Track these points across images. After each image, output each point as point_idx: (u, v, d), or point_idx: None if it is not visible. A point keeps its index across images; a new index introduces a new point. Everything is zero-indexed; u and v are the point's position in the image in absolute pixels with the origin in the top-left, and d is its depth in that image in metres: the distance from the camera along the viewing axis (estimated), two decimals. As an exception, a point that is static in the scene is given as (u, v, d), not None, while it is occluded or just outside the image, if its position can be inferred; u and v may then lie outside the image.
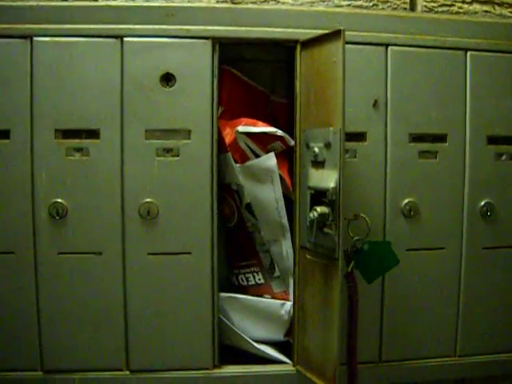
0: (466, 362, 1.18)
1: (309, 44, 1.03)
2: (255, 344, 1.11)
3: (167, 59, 1.05)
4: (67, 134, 1.05)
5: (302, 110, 1.06)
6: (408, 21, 1.12)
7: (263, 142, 1.09)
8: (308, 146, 1.03)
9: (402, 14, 1.14)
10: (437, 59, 1.11)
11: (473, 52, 1.13)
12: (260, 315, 1.12)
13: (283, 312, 1.11)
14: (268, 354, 1.12)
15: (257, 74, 1.19)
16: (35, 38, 1.02)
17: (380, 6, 1.18)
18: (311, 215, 0.98)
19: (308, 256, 1.05)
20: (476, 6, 1.20)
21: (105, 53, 1.04)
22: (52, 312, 1.06)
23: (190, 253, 1.07)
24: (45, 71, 1.03)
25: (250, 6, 1.10)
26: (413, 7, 1.20)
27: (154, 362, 1.09)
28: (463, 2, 1.20)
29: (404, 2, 1.18)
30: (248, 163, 1.09)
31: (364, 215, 1.03)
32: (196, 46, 1.05)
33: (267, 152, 1.09)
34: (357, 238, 1.03)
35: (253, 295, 1.14)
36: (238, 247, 1.16)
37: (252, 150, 1.09)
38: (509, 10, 1.21)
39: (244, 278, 1.16)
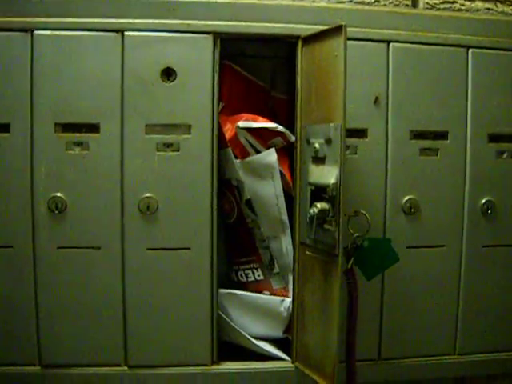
0: (465, 360, 1.17)
1: (310, 40, 1.03)
2: (254, 340, 1.10)
3: (168, 54, 1.05)
4: (67, 127, 1.04)
5: (303, 106, 1.05)
6: (410, 17, 1.11)
7: (264, 137, 1.08)
8: (309, 142, 1.02)
9: (403, 11, 1.13)
10: (438, 56, 1.11)
11: (475, 49, 1.12)
12: (259, 312, 1.11)
13: (282, 309, 1.10)
14: (267, 351, 1.11)
15: (257, 70, 1.19)
16: (36, 32, 1.02)
17: (382, 3, 1.18)
18: (311, 211, 0.97)
19: (308, 252, 1.04)
20: (478, 4, 1.20)
21: (105, 47, 1.04)
22: (50, 307, 1.06)
23: (189, 248, 1.07)
24: (45, 65, 1.03)
25: (251, 0, 1.09)
26: (415, 4, 1.19)
27: (152, 358, 1.09)
28: (465, 0, 1.19)
29: (406, -1, 1.18)
30: (248, 159, 1.08)
31: (364, 211, 1.02)
32: (197, 40, 1.05)
33: (268, 148, 1.09)
34: (357, 234, 1.03)
35: (252, 292, 1.14)
36: (237, 243, 1.16)
37: (252, 146, 1.09)
38: (511, 7, 1.20)
39: (243, 275, 1.16)
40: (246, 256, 1.14)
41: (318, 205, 0.97)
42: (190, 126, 1.05)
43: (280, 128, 1.07)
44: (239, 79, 1.14)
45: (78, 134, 1.05)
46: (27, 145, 1.04)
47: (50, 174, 1.04)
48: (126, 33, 1.04)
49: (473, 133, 1.13)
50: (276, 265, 1.12)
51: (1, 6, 1.02)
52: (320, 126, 0.99)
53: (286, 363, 1.12)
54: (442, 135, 1.12)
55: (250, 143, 1.08)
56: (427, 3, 1.18)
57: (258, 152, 1.09)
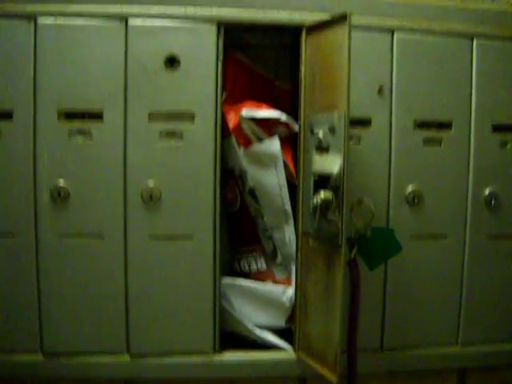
0: (468, 351, 1.17)
1: (314, 28, 1.02)
2: (256, 330, 1.10)
3: (172, 42, 1.04)
4: (70, 115, 1.04)
5: (307, 95, 1.05)
6: (414, 7, 1.11)
7: (267, 126, 1.08)
8: (312, 132, 1.02)
9: (408, 1, 1.12)
10: (443, 46, 1.11)
11: (479, 39, 1.12)
12: (261, 301, 1.11)
13: (285, 298, 1.10)
14: (269, 341, 1.11)
15: (261, 60, 1.19)
16: (39, 19, 1.01)
17: (386, -8, 1.17)
18: (314, 201, 0.97)
19: (311, 242, 1.04)
20: (483, -7, 1.19)
21: (109, 34, 1.03)
22: (52, 295, 1.06)
23: (192, 237, 1.07)
24: (48, 52, 1.02)
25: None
26: (419, -7, 1.18)
27: (154, 347, 1.09)
28: (470, -11, 1.19)
29: (411, -12, 1.17)
30: (252, 148, 1.08)
31: (368, 200, 1.01)
32: (201, 29, 1.05)
33: (271, 136, 1.08)
34: (360, 223, 1.02)
35: (255, 281, 1.13)
36: (240, 233, 1.16)
37: (256, 135, 1.08)
38: (516, -3, 1.20)
39: (246, 264, 1.16)
40: (248, 245, 1.14)
41: (322, 194, 0.97)
42: (193, 115, 1.05)
43: (283, 118, 1.06)
44: (243, 69, 1.14)
45: (81, 122, 1.04)
46: (30, 132, 1.03)
47: (52, 162, 1.04)
48: (130, 20, 1.03)
49: (477, 123, 1.13)
50: (279, 254, 1.12)
51: (4, -8, 1.01)
52: (324, 114, 0.99)
53: (288, 353, 1.11)
54: (446, 125, 1.12)
55: (253, 132, 1.08)
56: (432, -8, 1.17)
57: (261, 141, 1.08)
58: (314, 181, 1.00)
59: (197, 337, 1.10)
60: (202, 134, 1.05)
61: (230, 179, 1.12)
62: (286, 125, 1.07)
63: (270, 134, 1.08)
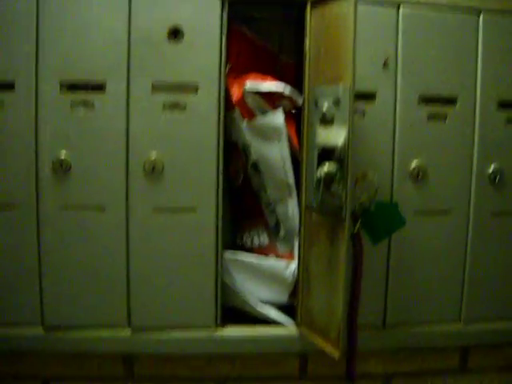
0: (471, 328, 1.16)
1: (320, 1, 1.01)
2: (258, 305, 1.09)
3: (176, 13, 1.03)
4: (72, 87, 1.03)
5: (311, 68, 1.04)
6: (420, -19, 1.09)
7: (271, 99, 1.07)
8: (316, 104, 1.01)
9: (414, -26, 1.11)
10: (449, 20, 1.10)
11: (486, 14, 1.10)
12: (264, 276, 1.11)
13: (287, 273, 1.09)
14: (270, 316, 1.11)
15: (265, 34, 1.18)
16: (42, -13, 1.00)
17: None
18: (318, 173, 0.96)
19: (314, 216, 1.03)
20: (490, -33, 1.18)
21: (112, 4, 1.02)
22: (54, 268, 1.05)
23: (194, 210, 1.06)
24: (51, 23, 1.01)
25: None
26: (425, -33, 1.17)
27: (155, 321, 1.09)
28: (477, -37, 1.17)
29: (417, -38, 1.16)
30: (255, 121, 1.07)
31: (372, 173, 1.01)
32: (205, 1, 1.03)
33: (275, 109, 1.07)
34: (364, 197, 1.01)
35: (257, 256, 1.12)
36: (243, 207, 1.15)
37: (260, 108, 1.07)
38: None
39: (249, 239, 1.15)
40: (251, 220, 1.14)
41: (326, 167, 0.96)
42: (196, 87, 1.04)
43: (287, 91, 1.05)
44: (247, 42, 1.13)
45: (83, 94, 1.03)
46: (32, 104, 1.02)
47: (54, 134, 1.03)
48: (134, -10, 1.01)
49: (482, 99, 1.12)
50: (282, 228, 1.11)
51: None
52: (328, 87, 0.98)
53: (290, 328, 1.11)
54: (451, 101, 1.11)
55: (257, 105, 1.07)
56: (438, -34, 1.16)
57: (265, 114, 1.07)
58: (318, 153, 0.99)
59: (198, 311, 1.09)
60: (205, 106, 1.04)
61: (233, 153, 1.11)
62: (289, 98, 1.06)
63: (274, 108, 1.07)
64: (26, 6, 1.00)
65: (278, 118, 1.06)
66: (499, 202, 1.14)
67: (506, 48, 1.12)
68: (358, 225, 1.01)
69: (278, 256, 1.12)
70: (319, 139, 0.99)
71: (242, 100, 1.06)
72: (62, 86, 1.03)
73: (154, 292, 1.07)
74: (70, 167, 1.03)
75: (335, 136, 0.95)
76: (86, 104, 1.03)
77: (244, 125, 1.06)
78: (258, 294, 1.11)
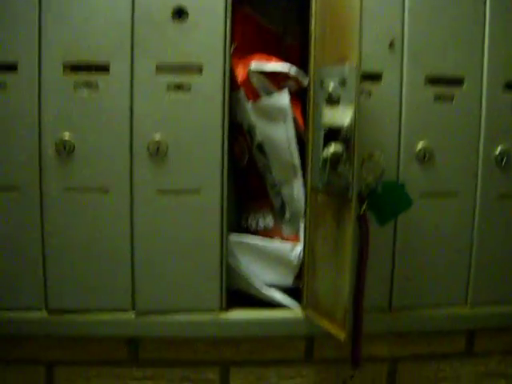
0: (477, 311, 1.15)
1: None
2: (263, 287, 1.08)
3: (179, -7, 1.01)
4: (76, 67, 1.02)
5: (317, 49, 1.03)
6: (428, -41, 1.08)
7: (277, 79, 1.06)
8: (322, 84, 1.00)
9: (422, -47, 1.10)
10: (456, 0, 1.07)
11: (493, -7, 1.09)
12: (269, 259, 1.10)
13: (293, 256, 1.09)
14: (276, 299, 1.10)
15: (270, 15, 1.17)
16: (44, -33, 0.99)
17: None
18: (325, 153, 0.95)
19: (320, 197, 1.02)
20: None
21: (116, -16, 1.00)
22: (57, 251, 1.05)
23: (199, 192, 1.05)
24: (53, 3, 1.00)
25: None
26: None
27: (160, 304, 1.08)
28: None
29: None
30: (260, 101, 1.06)
31: (379, 154, 1.00)
32: (209, -20, 1.02)
33: (280, 90, 1.06)
34: (370, 178, 1.00)
35: (262, 238, 1.11)
36: (248, 189, 1.14)
37: (265, 88, 1.06)
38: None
39: (254, 221, 1.14)
40: (256, 202, 1.13)
41: (332, 147, 0.95)
42: (201, 67, 1.03)
43: (292, 72, 1.05)
44: (252, 23, 1.13)
45: (86, 74, 1.02)
46: (35, 85, 1.02)
47: (57, 115, 1.02)
48: (137, -31, 1.00)
49: (489, 80, 1.10)
50: (287, 210, 1.11)
51: None
52: (335, 67, 0.97)
53: (295, 311, 1.10)
54: (458, 82, 1.10)
55: (262, 85, 1.06)
56: None
57: (270, 95, 1.06)
58: (324, 134, 0.98)
59: (203, 294, 1.08)
60: (210, 86, 1.03)
61: (238, 134, 1.10)
62: (295, 79, 1.05)
63: (279, 88, 1.06)
64: (29, -13, 0.98)
65: (283, 98, 1.05)
66: (506, 184, 1.13)
67: (512, 28, 1.10)
68: (364, 206, 1.00)
69: (283, 238, 1.11)
70: (325, 119, 0.98)
71: (247, 80, 1.05)
72: (65, 66, 1.02)
73: (159, 275, 1.07)
74: (74, 149, 1.02)
75: (341, 116, 0.95)
76: (90, 85, 1.02)
77: (249, 105, 1.05)
78: (264, 277, 1.10)
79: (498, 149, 1.11)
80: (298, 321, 1.10)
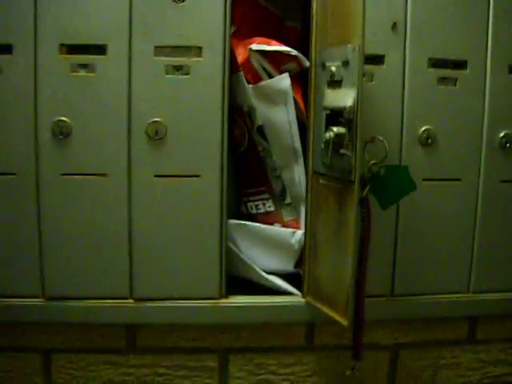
0: (479, 298, 1.14)
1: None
2: (263, 273, 1.07)
3: (178, -27, 0.99)
4: (72, 49, 1.00)
5: (318, 31, 1.01)
6: None
7: (277, 61, 1.05)
8: (324, 66, 0.98)
9: None
10: (460, -19, 1.06)
11: (498, -26, 1.07)
12: (269, 244, 1.09)
13: (294, 241, 1.07)
14: (277, 285, 1.09)
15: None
16: None
17: None
18: (327, 135, 0.94)
19: (321, 181, 1.01)
20: None
21: (114, -36, 0.98)
22: (54, 237, 1.03)
23: (198, 176, 1.03)
24: (50, -17, 0.97)
25: None
26: None
27: (158, 291, 1.06)
28: None
29: None
30: (261, 83, 1.05)
31: (381, 137, 0.98)
32: (209, -41, 1.00)
33: (281, 73, 1.05)
34: (373, 161, 0.99)
35: (262, 224, 1.09)
36: (248, 173, 1.12)
37: (265, 70, 1.05)
38: None
39: (253, 206, 1.13)
40: (256, 186, 1.11)
41: (335, 129, 0.93)
42: (201, 49, 1.01)
43: (294, 52, 1.03)
44: (252, 4, 1.11)
45: (83, 56, 1.00)
46: (30, 67, 0.99)
47: (54, 98, 1.00)
48: None
49: (493, 63, 1.09)
50: (288, 195, 1.09)
51: None
52: (337, 48, 0.96)
53: (296, 298, 1.09)
54: (461, 65, 1.08)
55: (263, 67, 1.05)
56: None
57: (271, 77, 1.05)
58: (326, 116, 0.97)
59: (203, 280, 1.07)
60: (209, 68, 1.01)
61: (238, 117, 1.08)
62: (296, 61, 1.04)
63: (280, 70, 1.05)
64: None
65: (284, 80, 1.04)
66: (509, 169, 1.11)
67: (517, 10, 1.08)
68: (366, 189, 0.98)
69: (283, 224, 1.10)
70: (327, 101, 0.97)
71: (248, 61, 1.04)
72: (61, 48, 0.99)
73: (157, 260, 1.05)
74: (71, 132, 1.00)
75: (344, 97, 0.93)
76: (87, 67, 1.00)
77: (249, 88, 1.04)
78: (264, 262, 1.09)
79: (502, 133, 1.10)
80: (298, 307, 1.08)
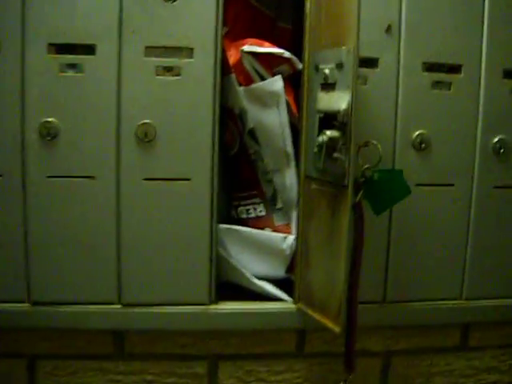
0: (473, 305, 1.13)
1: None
2: (254, 279, 1.05)
3: (169, -28, 0.98)
4: (61, 48, 0.98)
5: (312, 33, 1.00)
6: None
7: (270, 63, 1.03)
8: (317, 69, 0.97)
9: None
10: (455, -15, 1.05)
11: (492, -22, 1.06)
12: (260, 249, 1.07)
13: (285, 246, 1.06)
14: (267, 291, 1.07)
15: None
16: None
17: None
18: (320, 139, 0.92)
19: (314, 186, 0.99)
20: None
21: (103, -38, 0.96)
22: (40, 240, 1.01)
23: (188, 179, 1.01)
24: (38, -19, 0.95)
25: None
26: None
27: (147, 296, 1.04)
28: None
29: None
30: (253, 86, 1.04)
31: (375, 141, 0.96)
32: (201, -41, 0.98)
33: (273, 75, 1.03)
34: (367, 166, 0.97)
35: (253, 228, 1.08)
36: (238, 177, 1.11)
37: (258, 72, 1.04)
38: None
39: (244, 211, 1.11)
40: (247, 190, 1.10)
41: (328, 132, 0.92)
42: (192, 50, 0.99)
43: (286, 54, 1.02)
44: (244, 5, 1.10)
45: (72, 56, 0.98)
46: (18, 67, 0.97)
47: (41, 98, 0.98)
48: None
49: (487, 68, 1.08)
50: (279, 200, 1.07)
51: None
52: (331, 50, 0.94)
53: (287, 304, 1.07)
54: (456, 69, 1.07)
55: (255, 69, 1.03)
56: None
57: (263, 79, 1.04)
58: (320, 119, 0.95)
59: (192, 286, 1.05)
60: (201, 70, 1.00)
61: (229, 119, 1.07)
62: (289, 63, 1.02)
63: (273, 72, 1.04)
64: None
65: (277, 82, 1.02)
66: (503, 175, 1.10)
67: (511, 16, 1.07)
68: (360, 194, 0.97)
69: (274, 229, 1.09)
70: (321, 105, 0.96)
71: (240, 63, 1.02)
72: (49, 48, 0.97)
73: (146, 265, 1.03)
74: (59, 133, 0.98)
75: (338, 100, 0.92)
76: (76, 67, 0.98)
77: (241, 90, 1.02)
78: (254, 268, 1.07)
79: (496, 138, 1.09)
80: (289, 313, 1.07)
